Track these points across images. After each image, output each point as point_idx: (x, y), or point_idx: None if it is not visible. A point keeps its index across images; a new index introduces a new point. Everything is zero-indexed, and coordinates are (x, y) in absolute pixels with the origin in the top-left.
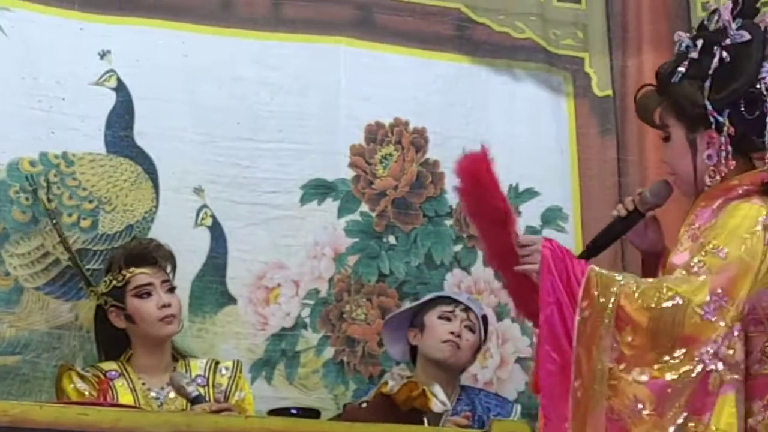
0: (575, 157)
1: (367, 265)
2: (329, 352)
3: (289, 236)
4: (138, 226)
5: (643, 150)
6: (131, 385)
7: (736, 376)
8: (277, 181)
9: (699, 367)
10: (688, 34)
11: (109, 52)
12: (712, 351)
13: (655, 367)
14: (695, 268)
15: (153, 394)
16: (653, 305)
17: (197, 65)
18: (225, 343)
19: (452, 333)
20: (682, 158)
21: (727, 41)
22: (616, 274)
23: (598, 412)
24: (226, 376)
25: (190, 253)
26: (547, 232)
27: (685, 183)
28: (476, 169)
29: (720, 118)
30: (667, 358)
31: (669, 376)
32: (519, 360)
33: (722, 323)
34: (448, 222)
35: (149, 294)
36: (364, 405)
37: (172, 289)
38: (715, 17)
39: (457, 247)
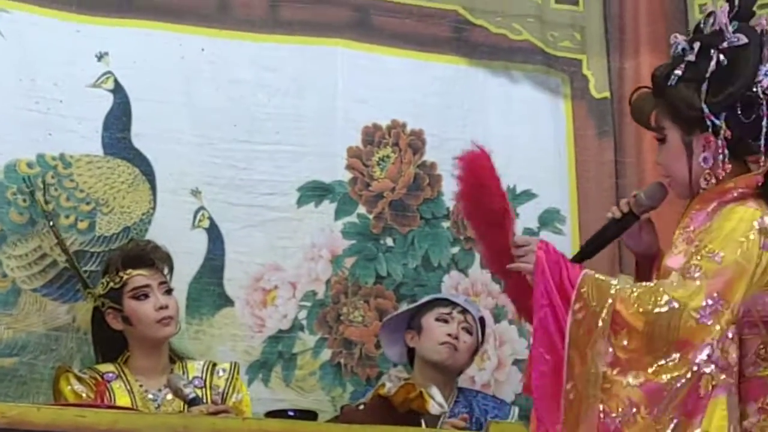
0: (573, 159)
1: (364, 267)
2: (326, 354)
3: (285, 238)
4: (135, 228)
5: (641, 152)
6: (128, 387)
7: (729, 379)
8: (273, 183)
9: (693, 370)
10: (683, 37)
11: (106, 53)
12: (706, 354)
13: (650, 370)
14: (691, 272)
15: (150, 395)
16: (649, 309)
17: (194, 67)
18: (222, 345)
19: (450, 335)
20: (677, 161)
21: (725, 44)
22: (612, 279)
23: (590, 415)
24: (224, 378)
25: (188, 254)
26: (545, 234)
27: (680, 185)
28: (478, 167)
29: (717, 122)
30: (662, 362)
31: (663, 380)
32: (516, 362)
33: (717, 327)
34: (446, 224)
35: (146, 296)
36: (362, 407)
37: (169, 291)
38: (711, 20)
39: (455, 249)
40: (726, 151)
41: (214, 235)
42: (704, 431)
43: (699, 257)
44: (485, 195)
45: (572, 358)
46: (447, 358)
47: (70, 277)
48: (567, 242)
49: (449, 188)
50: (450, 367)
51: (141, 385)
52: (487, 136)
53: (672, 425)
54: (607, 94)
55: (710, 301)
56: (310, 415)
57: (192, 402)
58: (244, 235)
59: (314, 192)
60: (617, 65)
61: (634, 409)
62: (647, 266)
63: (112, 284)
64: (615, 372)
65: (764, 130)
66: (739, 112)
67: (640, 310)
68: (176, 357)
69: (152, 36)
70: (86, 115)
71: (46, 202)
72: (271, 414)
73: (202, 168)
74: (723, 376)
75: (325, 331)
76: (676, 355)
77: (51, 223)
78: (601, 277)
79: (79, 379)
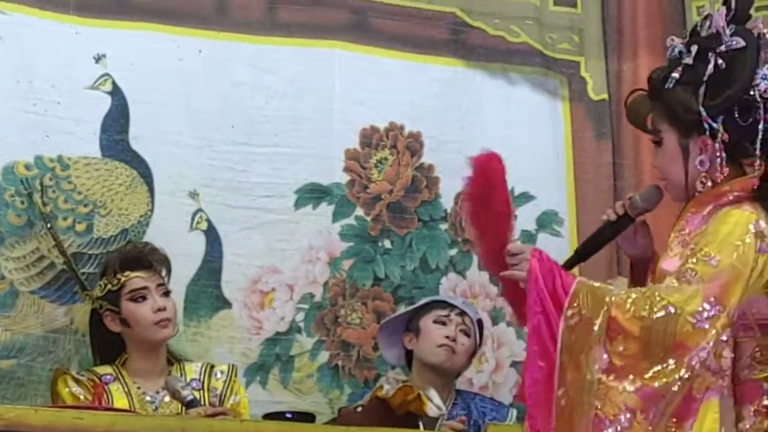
0: (571, 161)
1: (362, 269)
2: (324, 356)
3: (283, 240)
4: (133, 230)
5: (639, 154)
6: (126, 389)
7: (721, 382)
8: (271, 185)
9: (688, 374)
10: (680, 40)
11: (104, 55)
12: (701, 358)
13: (646, 376)
14: (687, 276)
15: (148, 398)
16: (645, 314)
17: (192, 69)
18: (220, 347)
19: (447, 337)
20: (673, 163)
21: (722, 48)
22: (606, 286)
23: (584, 422)
24: (221, 380)
25: (185, 257)
26: (543, 236)
27: (676, 188)
28: (490, 169)
29: (714, 125)
30: (659, 367)
31: (659, 384)
32: (514, 364)
33: (713, 331)
34: (443, 226)
35: (144, 298)
36: (360, 409)
37: (167, 293)
38: (708, 23)
39: (453, 251)
40: (724, 155)
41: (212, 237)
42: None
43: (695, 261)
44: (492, 197)
45: (564, 364)
46: (445, 361)
47: (68, 279)
48: (565, 244)
49: (447, 190)
50: (448, 370)
51: (139, 387)
52: (485, 138)
53: (667, 429)
54: (605, 96)
55: (707, 306)
56: (308, 417)
57: (190, 404)
58: (242, 238)
59: (312, 194)
60: (615, 67)
61: (630, 415)
62: (642, 269)
63: (109, 286)
64: (611, 378)
65: (760, 133)
66: (737, 116)
67: (636, 315)
68: (174, 359)
69: (150, 38)
70: (84, 117)
71: (44, 204)
72: (269, 416)
73: (200, 170)
74: (715, 379)
75: (323, 333)
76: (672, 360)
77: (49, 225)
78: (596, 284)
79: (77, 381)
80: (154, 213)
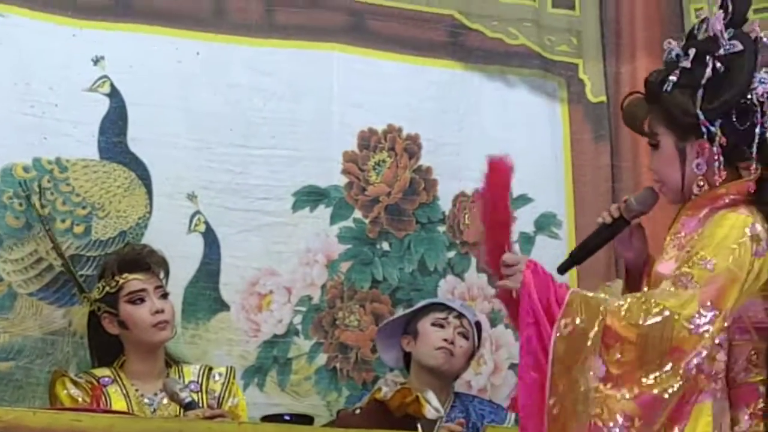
0: (569, 163)
1: (360, 271)
2: (322, 358)
3: (280, 243)
4: (131, 232)
5: (637, 156)
6: (124, 392)
7: (714, 385)
8: (269, 187)
9: (683, 378)
10: (677, 43)
11: (102, 58)
12: (696, 362)
13: (644, 383)
14: (683, 281)
15: (146, 400)
16: (641, 321)
17: (190, 71)
18: (218, 349)
19: (445, 340)
20: (670, 167)
21: (721, 51)
22: (600, 294)
23: (581, 431)
24: (220, 383)
25: (184, 259)
26: (541, 239)
27: (672, 191)
28: (497, 173)
29: (712, 128)
30: (656, 373)
31: (657, 390)
32: (513, 366)
33: (709, 335)
34: (441, 228)
35: (142, 300)
36: (358, 411)
37: (165, 295)
38: (704, 26)
39: (451, 254)
40: (721, 158)
41: (210, 239)
42: None
43: (690, 264)
44: (494, 203)
45: (555, 374)
46: (443, 363)
47: (66, 281)
48: (563, 246)
49: (445, 192)
50: (446, 372)
51: (137, 390)
52: (483, 141)
53: None
54: (603, 98)
55: (703, 310)
56: (306, 419)
57: (188, 406)
58: (240, 240)
59: (309, 197)
60: (613, 70)
61: (629, 422)
62: (637, 272)
63: (108, 288)
64: (608, 386)
65: (757, 137)
66: (734, 119)
67: (632, 322)
68: (172, 361)
69: (148, 40)
70: (82, 119)
71: (42, 206)
72: (267, 418)
73: (198, 172)
74: (708, 382)
75: (321, 335)
76: (669, 366)
77: (47, 227)
78: (590, 294)
79: (75, 384)
80: (153, 215)
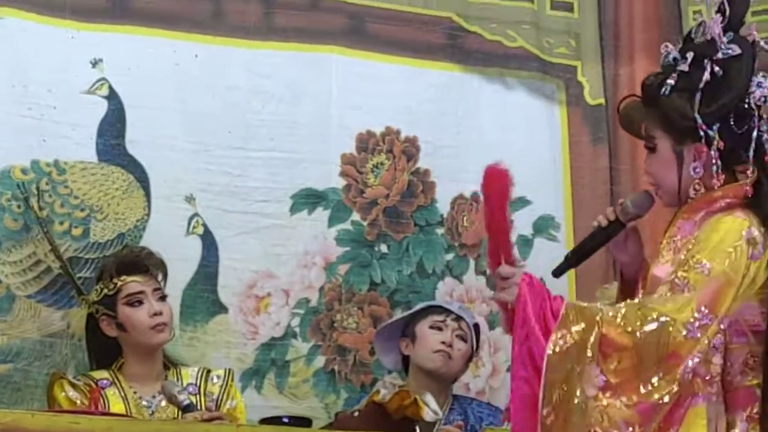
0: (567, 166)
1: (358, 273)
2: (320, 361)
3: (278, 245)
4: (129, 235)
5: (635, 158)
6: (123, 394)
7: (710, 389)
8: (267, 190)
9: (679, 383)
10: (674, 46)
11: (100, 60)
12: (692, 365)
13: (643, 390)
14: (679, 285)
15: (144, 402)
16: (637, 327)
17: (189, 73)
18: (216, 351)
19: (444, 343)
20: (667, 170)
21: (719, 55)
22: (595, 305)
23: None
24: (218, 385)
25: (182, 261)
26: (539, 241)
27: (668, 195)
28: (495, 183)
29: (710, 132)
30: (654, 380)
31: (655, 397)
32: (511, 369)
33: (705, 340)
34: (440, 231)
35: (140, 302)
36: (356, 414)
37: (163, 298)
38: (701, 29)
39: (449, 256)
40: (719, 162)
41: (209, 241)
42: None
43: (686, 268)
44: (489, 211)
45: (550, 385)
46: (441, 366)
47: (65, 284)
48: (561, 249)
49: (443, 195)
50: (444, 375)
51: (135, 392)
52: (481, 143)
53: None
54: (601, 100)
55: (698, 315)
56: (304, 421)
57: (186, 409)
58: (238, 242)
59: (307, 199)
60: (612, 72)
61: (631, 429)
62: (632, 275)
63: (106, 291)
64: (608, 395)
65: (754, 140)
66: (732, 123)
67: (628, 329)
68: (170, 364)
69: (146, 42)
70: (80, 121)
71: (41, 209)
72: (266, 421)
73: (196, 175)
74: (704, 386)
75: (319, 338)
76: (666, 371)
77: (45, 230)
78: (585, 304)
79: (74, 386)
80: (151, 217)
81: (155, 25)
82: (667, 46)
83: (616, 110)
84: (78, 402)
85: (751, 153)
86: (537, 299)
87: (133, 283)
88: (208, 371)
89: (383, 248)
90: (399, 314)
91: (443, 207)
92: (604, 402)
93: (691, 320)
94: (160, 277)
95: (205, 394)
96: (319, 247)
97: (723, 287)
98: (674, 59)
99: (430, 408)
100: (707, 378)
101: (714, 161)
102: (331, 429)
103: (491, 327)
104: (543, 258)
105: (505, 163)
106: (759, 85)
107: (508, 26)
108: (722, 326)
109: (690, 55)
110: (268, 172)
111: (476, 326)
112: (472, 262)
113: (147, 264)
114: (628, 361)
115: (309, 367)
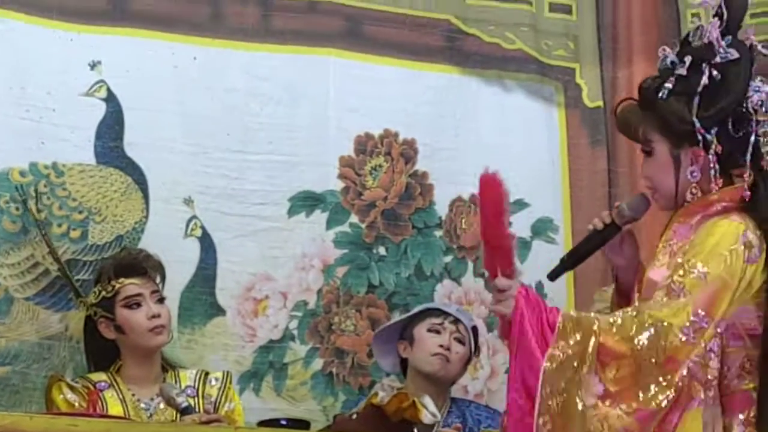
0: (566, 168)
1: (356, 276)
2: (318, 363)
3: (276, 248)
4: (128, 237)
5: (634, 161)
6: (121, 396)
7: (707, 392)
8: (265, 192)
9: (677, 388)
10: (670, 50)
11: (99, 62)
12: (690, 370)
13: (641, 397)
14: (675, 290)
15: (143, 405)
16: (634, 334)
17: (187, 76)
18: (214, 354)
19: (441, 346)
20: (664, 174)
21: (717, 59)
22: (591, 314)
23: None
24: (216, 387)
25: (180, 263)
26: (537, 244)
27: (665, 198)
28: (491, 191)
29: (708, 136)
30: (653, 386)
31: (654, 403)
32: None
33: (702, 344)
34: (438, 233)
35: (139, 305)
36: (355, 416)
37: (161, 300)
38: (699, 33)
39: (448, 258)
40: (717, 166)
41: (207, 244)
42: None
43: (682, 273)
44: (484, 220)
45: (546, 396)
46: (439, 370)
47: (63, 286)
48: (560, 251)
49: (441, 197)
50: (442, 378)
51: (133, 394)
52: (479, 146)
53: None
54: (600, 103)
55: (694, 319)
56: (302, 424)
57: (184, 411)
58: (236, 245)
59: (305, 202)
60: (610, 74)
61: None
62: (628, 278)
63: (104, 293)
64: (607, 404)
65: (751, 145)
66: (730, 127)
67: (625, 336)
68: (168, 366)
69: (145, 45)
70: (79, 123)
71: (39, 211)
72: (264, 423)
73: (194, 177)
74: (701, 389)
75: (317, 340)
76: (664, 377)
77: (43, 232)
78: (581, 314)
79: (72, 389)
80: (149, 220)
81: (154, 27)
82: (664, 50)
83: (614, 113)
84: (76, 404)
85: (749, 157)
86: (534, 312)
87: (131, 286)
88: (206, 374)
89: (381, 251)
90: (397, 317)
91: (441, 209)
92: (604, 410)
93: (687, 324)
94: (158, 280)
95: (203, 396)
96: (317, 249)
97: (719, 291)
98: (672, 63)
99: (429, 410)
100: (705, 382)
101: (712, 165)
102: (329, 431)
103: (489, 329)
104: (541, 260)
105: (503, 166)
106: (756, 89)
107: (506, 28)
108: (719, 330)
109: (688, 59)
110: (266, 175)
111: (474, 329)
112: (470, 265)
113: (145, 266)
114: (626, 369)
115: (307, 369)
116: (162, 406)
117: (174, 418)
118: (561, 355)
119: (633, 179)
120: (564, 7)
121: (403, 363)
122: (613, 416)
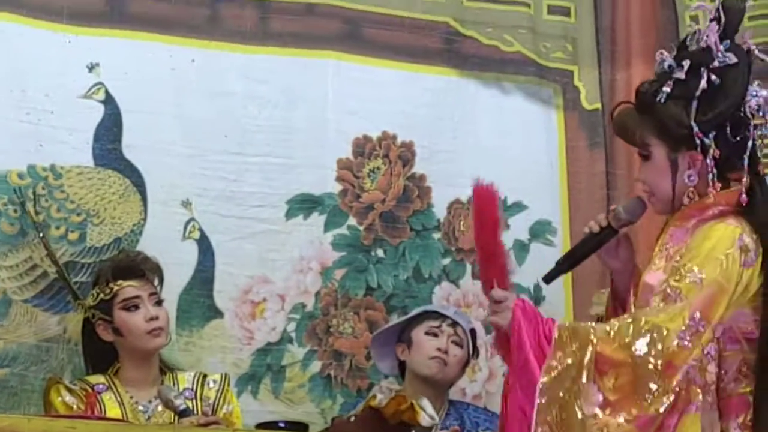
0: (564, 171)
1: (354, 278)
2: (316, 365)
3: (274, 250)
4: (126, 239)
5: (632, 163)
6: (119, 399)
7: (706, 397)
8: (263, 195)
9: (675, 392)
10: (668, 53)
11: (97, 64)
12: (687, 374)
13: (641, 404)
14: (671, 295)
15: (141, 407)
16: (631, 341)
17: (185, 78)
18: (212, 356)
19: (439, 349)
20: (662, 177)
21: (715, 63)
22: (588, 323)
23: None
24: (214, 389)
25: (178, 266)
26: (536, 246)
27: (661, 202)
28: (484, 201)
29: (706, 140)
30: (651, 392)
31: (653, 409)
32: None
33: (699, 348)
34: (436, 235)
35: (137, 307)
36: (353, 418)
37: (159, 302)
38: (696, 37)
39: (446, 261)
40: (715, 171)
41: (205, 246)
42: None
43: (678, 277)
44: (478, 232)
45: (544, 407)
46: (437, 373)
47: (61, 288)
48: (558, 254)
49: (439, 200)
50: (440, 381)
51: (131, 397)
52: (478, 148)
53: None
54: (598, 105)
55: (691, 323)
56: (300, 426)
57: (182, 413)
58: (234, 247)
59: (303, 204)
60: (609, 77)
61: None
62: (623, 282)
63: (102, 295)
64: (607, 413)
65: (748, 149)
66: (728, 131)
67: (622, 344)
68: (166, 368)
69: (143, 47)
70: (77, 126)
71: (37, 213)
72: (262, 425)
73: (192, 180)
74: (699, 393)
75: (315, 343)
76: (662, 382)
77: (41, 234)
78: (578, 324)
79: (70, 391)
80: (147, 222)
81: (152, 30)
82: (662, 53)
83: (611, 116)
84: (74, 407)
85: (746, 161)
86: (531, 323)
87: (129, 288)
88: (205, 376)
89: (379, 253)
90: (395, 319)
91: (440, 212)
92: (604, 420)
93: (683, 329)
94: (156, 282)
95: (201, 398)
96: (315, 252)
97: (716, 295)
98: (669, 66)
99: (427, 413)
100: (703, 386)
101: (710, 169)
102: None
103: (488, 331)
104: (539, 263)
105: (501, 168)
106: (753, 94)
107: (504, 31)
108: (716, 334)
109: (686, 63)
110: (264, 177)
111: (472, 331)
112: (468, 267)
113: (143, 268)
114: (625, 377)
115: (305, 372)
116: (160, 408)
117: (172, 420)
118: (559, 365)
119: (631, 182)
120: (562, 10)
121: (401, 365)
122: (614, 425)
